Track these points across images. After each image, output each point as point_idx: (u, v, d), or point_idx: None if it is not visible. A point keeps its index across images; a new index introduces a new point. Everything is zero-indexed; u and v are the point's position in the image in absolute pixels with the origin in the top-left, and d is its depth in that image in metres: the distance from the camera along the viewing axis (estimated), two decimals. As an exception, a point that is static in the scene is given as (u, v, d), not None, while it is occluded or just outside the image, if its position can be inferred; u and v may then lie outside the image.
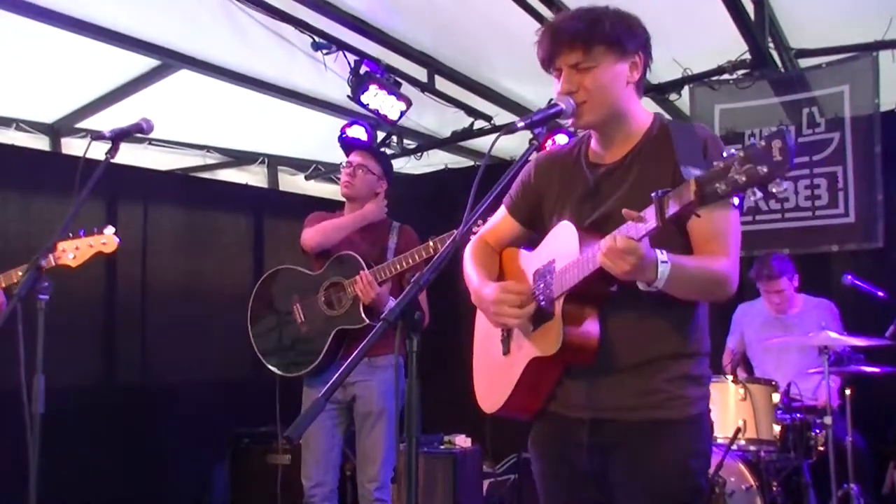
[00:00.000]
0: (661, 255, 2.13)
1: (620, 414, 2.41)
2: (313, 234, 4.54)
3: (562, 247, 2.43)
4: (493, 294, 2.52)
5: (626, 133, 2.51)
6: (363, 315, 4.32)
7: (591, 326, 2.39)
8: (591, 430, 2.44)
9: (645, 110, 2.57)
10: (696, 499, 2.47)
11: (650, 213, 2.05)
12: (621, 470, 2.42)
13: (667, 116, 2.64)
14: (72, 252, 3.64)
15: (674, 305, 2.39)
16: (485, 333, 2.78)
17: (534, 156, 2.65)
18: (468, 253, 2.81)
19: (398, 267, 4.32)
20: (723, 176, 1.91)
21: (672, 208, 2.01)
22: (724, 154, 1.92)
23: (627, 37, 2.43)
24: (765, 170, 1.85)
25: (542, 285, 2.48)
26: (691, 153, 2.28)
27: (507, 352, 2.64)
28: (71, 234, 3.71)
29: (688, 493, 2.42)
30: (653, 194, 2.05)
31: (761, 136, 6.01)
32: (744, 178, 1.88)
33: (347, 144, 4.91)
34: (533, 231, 2.74)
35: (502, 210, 2.81)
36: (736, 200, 1.98)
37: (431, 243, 4.27)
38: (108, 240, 3.75)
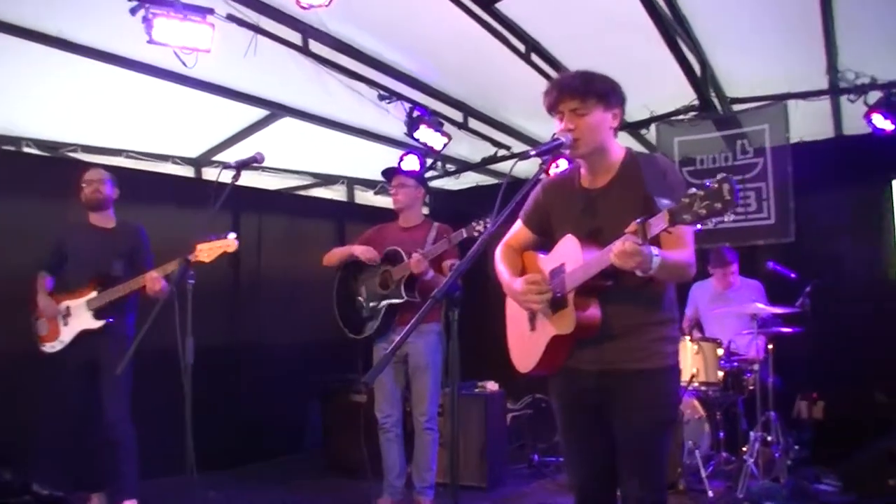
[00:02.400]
0: (654, 251, 2.17)
1: (620, 365, 2.45)
2: (326, 255, 4.84)
3: (569, 254, 2.46)
4: (521, 286, 2.54)
5: (607, 164, 2.52)
6: (403, 293, 4.40)
7: (594, 311, 2.43)
8: (598, 377, 2.48)
9: (619, 146, 2.56)
10: (668, 422, 2.53)
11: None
12: (618, 402, 2.46)
13: (636, 150, 2.61)
14: (206, 252, 3.58)
15: (652, 288, 2.44)
16: (515, 315, 2.78)
17: (543, 178, 2.61)
18: (498, 254, 2.80)
19: (435, 251, 4.35)
20: (688, 209, 1.98)
21: (652, 231, 2.09)
22: (681, 182, 1.97)
23: (612, 95, 2.47)
24: (719, 206, 1.94)
25: (556, 281, 2.50)
26: (656, 181, 2.32)
27: (533, 329, 2.65)
28: (206, 239, 3.69)
29: (663, 418, 2.49)
30: (636, 221, 2.12)
31: (709, 162, 6.08)
32: (704, 212, 1.96)
33: (386, 174, 4.94)
34: (543, 237, 2.74)
35: (519, 222, 2.79)
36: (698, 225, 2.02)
37: (453, 235, 4.33)
38: (230, 243, 3.73)
